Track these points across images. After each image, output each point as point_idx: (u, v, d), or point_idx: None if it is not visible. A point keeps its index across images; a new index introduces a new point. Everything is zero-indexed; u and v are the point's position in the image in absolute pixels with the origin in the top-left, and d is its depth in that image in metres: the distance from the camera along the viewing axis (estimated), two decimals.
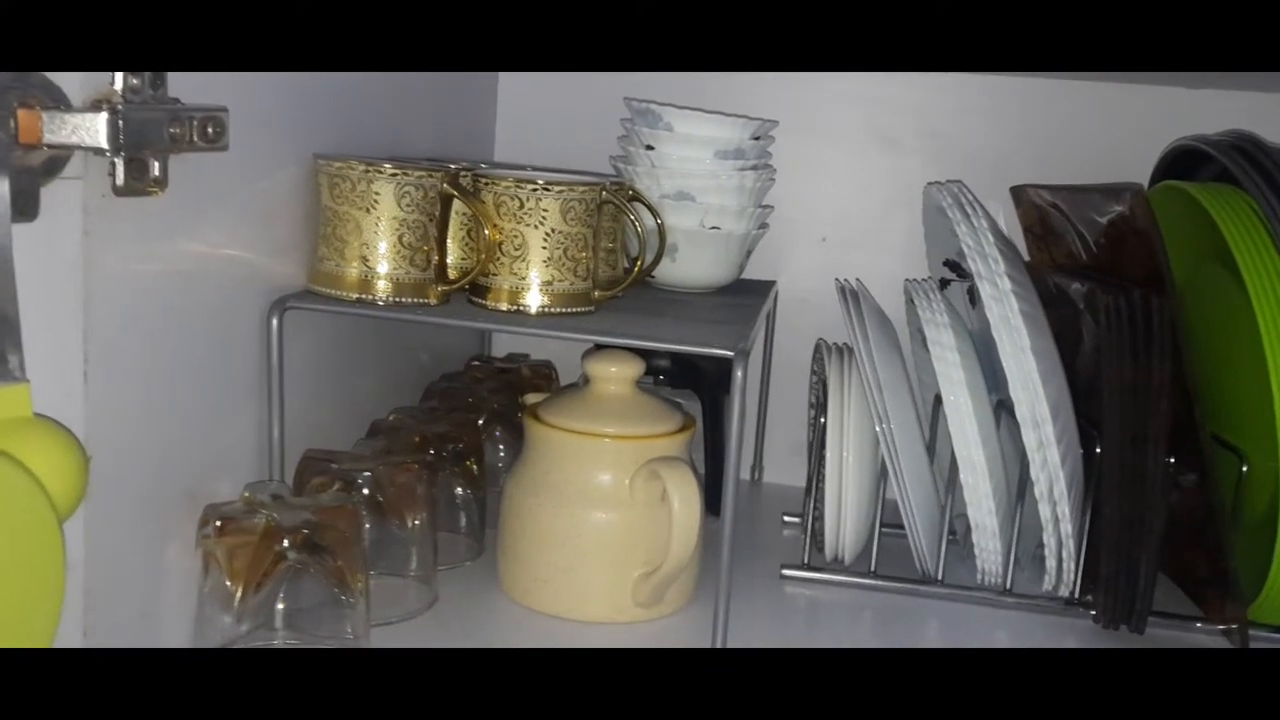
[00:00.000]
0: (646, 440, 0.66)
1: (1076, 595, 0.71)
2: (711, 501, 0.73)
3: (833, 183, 0.93)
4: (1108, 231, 0.73)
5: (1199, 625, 0.70)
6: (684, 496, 0.62)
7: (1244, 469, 0.67)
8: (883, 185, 0.92)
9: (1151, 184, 0.82)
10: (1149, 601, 0.67)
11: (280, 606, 0.56)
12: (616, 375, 0.68)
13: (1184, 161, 0.78)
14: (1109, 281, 0.70)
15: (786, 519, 0.86)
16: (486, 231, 0.64)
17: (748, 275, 0.87)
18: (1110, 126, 0.88)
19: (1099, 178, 0.76)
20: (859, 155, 0.92)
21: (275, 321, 0.62)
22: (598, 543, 0.65)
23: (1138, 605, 0.67)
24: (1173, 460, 0.66)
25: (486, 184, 0.65)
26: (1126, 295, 0.66)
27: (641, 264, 0.72)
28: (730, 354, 0.60)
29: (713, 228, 0.79)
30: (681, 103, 0.79)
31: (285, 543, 0.54)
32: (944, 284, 0.79)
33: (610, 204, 0.68)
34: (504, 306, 0.65)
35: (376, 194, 0.62)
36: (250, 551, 0.54)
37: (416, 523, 0.65)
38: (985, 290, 0.68)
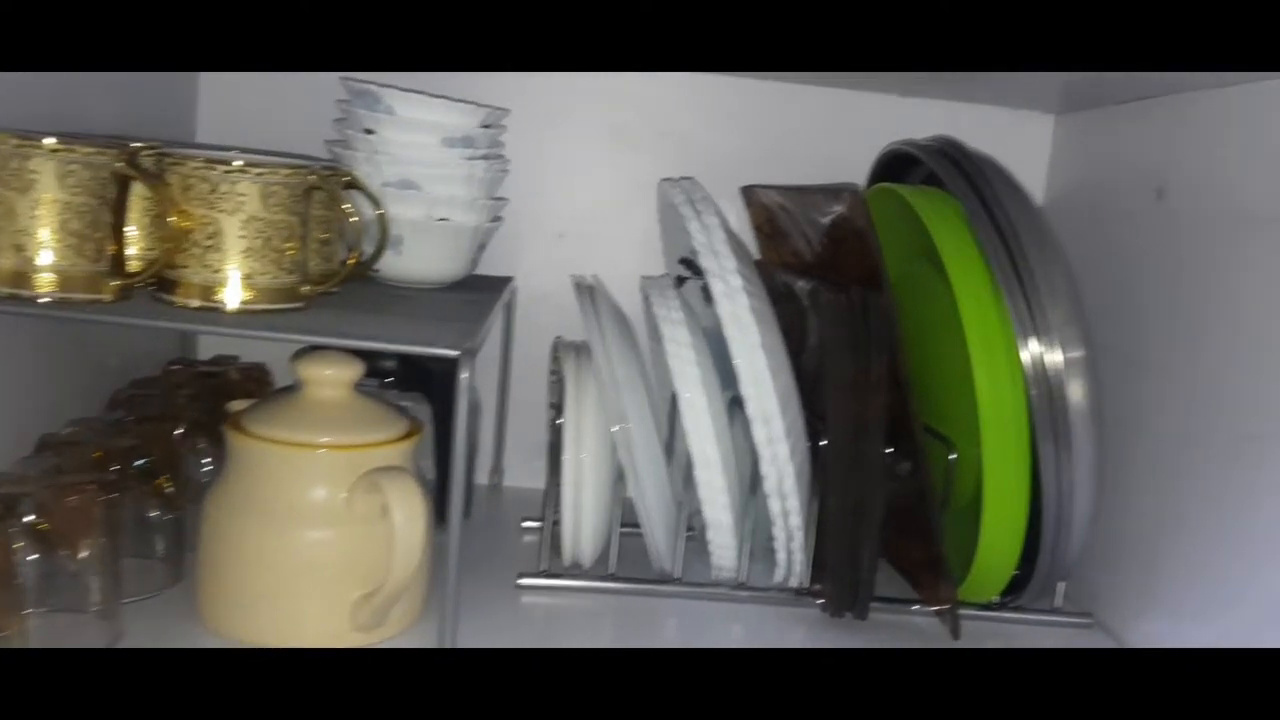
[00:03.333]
0: (365, 449, 0.61)
1: (806, 585, 0.73)
2: (443, 511, 0.69)
3: (570, 177, 0.91)
4: (829, 231, 0.75)
5: (915, 608, 0.74)
6: (406, 509, 0.58)
7: (952, 457, 0.71)
8: (620, 181, 0.91)
9: (868, 185, 0.85)
10: (871, 588, 0.70)
11: None
12: (332, 379, 0.62)
13: (897, 164, 0.82)
14: (831, 279, 0.72)
15: (526, 525, 0.83)
16: (172, 218, 0.57)
17: (483, 270, 0.83)
18: (832, 130, 0.91)
19: (824, 178, 0.79)
20: (595, 150, 0.91)
21: None
22: (311, 564, 0.59)
23: (861, 592, 0.70)
24: (891, 450, 0.68)
25: (172, 164, 0.57)
26: (846, 292, 0.68)
27: (359, 257, 0.66)
28: (455, 354, 0.56)
29: (441, 219, 0.74)
30: (404, 85, 0.74)
31: None
32: (680, 281, 0.79)
33: (320, 190, 0.62)
34: (195, 303, 0.58)
35: (33, 172, 0.53)
36: None
37: (92, 551, 0.57)
38: (716, 287, 0.68)
